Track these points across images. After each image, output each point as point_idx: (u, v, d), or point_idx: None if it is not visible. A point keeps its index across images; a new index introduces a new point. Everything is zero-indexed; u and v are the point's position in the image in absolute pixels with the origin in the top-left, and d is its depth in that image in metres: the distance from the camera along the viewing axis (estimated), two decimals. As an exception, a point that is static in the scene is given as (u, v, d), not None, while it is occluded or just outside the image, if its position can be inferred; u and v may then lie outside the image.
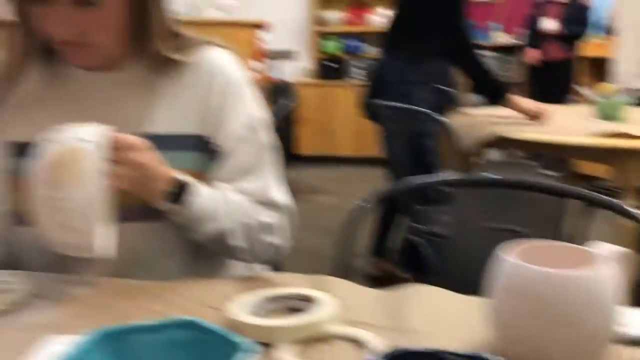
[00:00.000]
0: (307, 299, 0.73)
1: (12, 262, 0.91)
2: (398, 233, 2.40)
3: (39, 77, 0.95)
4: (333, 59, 5.64)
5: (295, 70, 5.65)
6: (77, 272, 0.82)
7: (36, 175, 0.73)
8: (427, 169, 2.10)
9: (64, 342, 0.57)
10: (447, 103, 2.31)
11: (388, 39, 2.45)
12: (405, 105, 2.06)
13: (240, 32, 3.64)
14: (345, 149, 5.41)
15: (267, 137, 0.99)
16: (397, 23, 2.41)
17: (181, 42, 0.95)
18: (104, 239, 0.76)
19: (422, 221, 2.01)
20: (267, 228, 0.95)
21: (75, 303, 0.76)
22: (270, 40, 4.25)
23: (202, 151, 0.94)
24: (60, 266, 0.87)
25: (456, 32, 2.22)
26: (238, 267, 1.02)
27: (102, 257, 0.76)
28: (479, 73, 2.25)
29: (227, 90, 0.95)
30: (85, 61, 0.90)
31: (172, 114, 0.93)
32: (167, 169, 0.84)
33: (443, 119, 2.08)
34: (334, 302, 0.71)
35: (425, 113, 2.03)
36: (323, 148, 5.39)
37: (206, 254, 0.96)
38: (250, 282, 0.81)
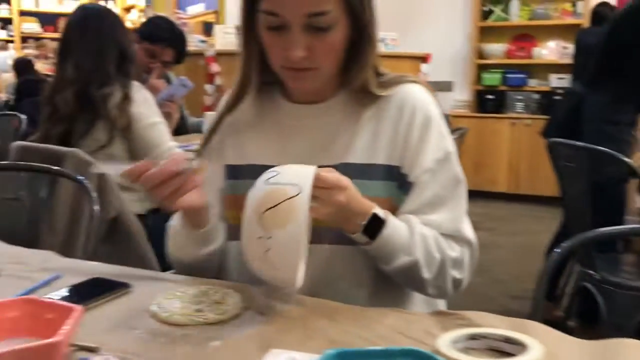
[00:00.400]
0: (513, 342, 0.71)
1: (224, 274, 1.00)
2: (569, 278, 2.25)
3: (251, 106, 1.03)
4: (492, 91, 5.50)
5: (453, 102, 5.58)
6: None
7: (248, 213, 0.79)
8: (612, 215, 1.96)
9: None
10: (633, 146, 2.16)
11: (591, 75, 2.33)
12: (593, 147, 1.94)
13: (404, 65, 3.70)
14: (501, 185, 5.21)
15: (457, 170, 0.99)
16: (606, 58, 2.29)
17: (383, 77, 0.99)
18: (303, 270, 0.81)
19: (596, 268, 1.88)
20: (456, 263, 0.95)
21: (281, 319, 0.80)
22: (429, 72, 4.26)
23: (393, 180, 0.96)
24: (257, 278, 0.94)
25: None
26: (417, 301, 1.02)
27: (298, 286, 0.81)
28: None
29: (426, 124, 0.97)
30: (304, 85, 0.96)
31: (371, 145, 0.97)
32: (365, 204, 0.87)
33: (631, 162, 1.93)
34: (541, 348, 0.68)
35: (612, 155, 1.89)
36: (478, 183, 5.25)
37: (392, 284, 0.97)
38: (448, 317, 0.80)
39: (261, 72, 0.99)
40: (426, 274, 0.92)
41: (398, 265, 0.91)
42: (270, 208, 0.76)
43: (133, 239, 1.68)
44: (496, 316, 0.80)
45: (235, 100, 1.03)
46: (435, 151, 0.97)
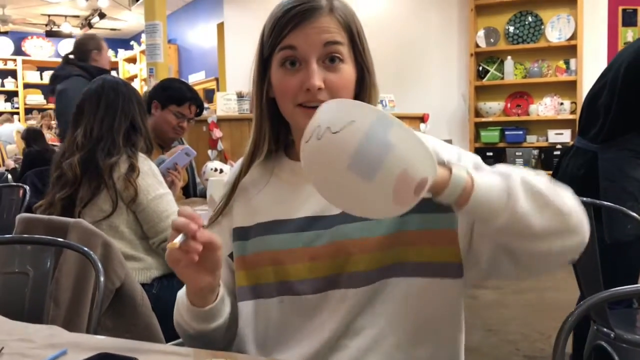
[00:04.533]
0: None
1: (236, 337, 1.01)
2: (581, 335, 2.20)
3: (258, 168, 1.05)
4: (492, 149, 5.55)
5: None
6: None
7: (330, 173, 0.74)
8: (628, 274, 1.93)
9: None
10: None
11: (604, 130, 2.33)
12: (614, 205, 1.92)
13: (403, 125, 3.76)
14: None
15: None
16: (620, 112, 2.30)
17: None
18: None
19: (611, 326, 1.84)
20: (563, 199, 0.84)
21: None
22: (428, 131, 4.32)
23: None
24: (274, 338, 0.95)
25: None
26: None
27: None
28: None
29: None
30: None
31: None
32: None
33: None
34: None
35: (631, 215, 1.87)
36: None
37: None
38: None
39: (272, 138, 1.03)
40: (537, 218, 0.81)
41: (501, 217, 0.80)
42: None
43: (138, 309, 1.66)
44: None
45: (248, 165, 1.05)
46: (448, 155, 0.95)
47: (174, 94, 2.68)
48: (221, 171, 2.69)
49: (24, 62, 9.99)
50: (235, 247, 1.03)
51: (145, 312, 1.65)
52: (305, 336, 0.95)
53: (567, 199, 0.83)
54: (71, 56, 3.71)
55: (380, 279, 0.92)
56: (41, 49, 10.31)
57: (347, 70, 0.96)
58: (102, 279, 1.27)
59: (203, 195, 2.77)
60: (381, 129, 0.68)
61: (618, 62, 2.34)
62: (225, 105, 4.19)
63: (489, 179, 0.80)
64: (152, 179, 1.92)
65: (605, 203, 1.95)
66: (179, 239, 0.80)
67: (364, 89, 0.99)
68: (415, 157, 0.69)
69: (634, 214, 1.92)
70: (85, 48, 3.67)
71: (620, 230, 1.98)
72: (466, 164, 0.87)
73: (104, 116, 1.93)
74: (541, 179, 0.83)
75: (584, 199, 1.95)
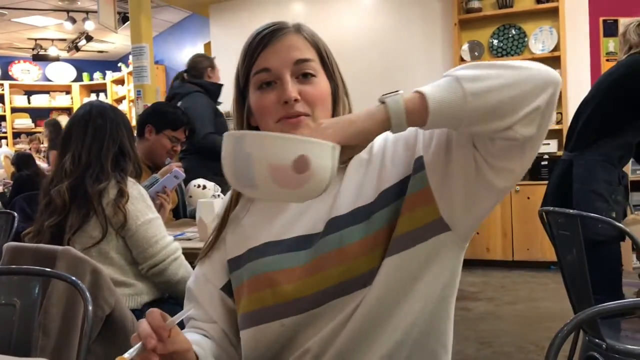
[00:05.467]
0: None
1: None
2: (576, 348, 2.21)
3: (245, 196, 1.06)
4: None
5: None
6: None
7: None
8: (609, 277, 1.95)
9: None
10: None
11: (579, 136, 2.40)
12: (585, 213, 1.95)
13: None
14: (497, 253, 5.19)
15: None
16: (596, 119, 2.37)
17: None
18: None
19: (603, 337, 1.85)
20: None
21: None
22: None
23: (394, 201, 0.95)
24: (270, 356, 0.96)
25: None
26: None
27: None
28: None
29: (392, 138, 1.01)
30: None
31: (354, 193, 0.98)
32: (363, 111, 0.86)
33: (622, 226, 1.94)
34: None
35: (602, 219, 1.90)
36: (474, 252, 5.22)
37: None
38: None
39: None
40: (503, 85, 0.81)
41: (468, 110, 0.81)
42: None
43: (129, 335, 1.64)
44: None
45: (237, 196, 1.06)
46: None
47: (170, 119, 2.70)
48: (204, 187, 2.68)
49: (11, 86, 9.96)
50: (233, 279, 1.03)
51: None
52: (314, 347, 0.94)
53: (514, 63, 0.84)
54: (185, 75, 3.96)
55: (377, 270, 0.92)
56: (28, 73, 10.29)
57: (321, 83, 0.99)
58: (90, 307, 1.27)
59: (193, 216, 2.77)
60: (238, 147, 0.80)
61: (601, 82, 2.45)
62: (213, 125, 4.19)
63: (436, 84, 0.84)
64: (141, 203, 1.91)
65: (581, 212, 1.99)
66: (131, 352, 0.75)
67: (337, 102, 1.02)
68: (274, 149, 0.78)
69: (605, 219, 1.97)
70: (200, 66, 3.96)
71: (591, 229, 2.02)
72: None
73: (92, 142, 1.91)
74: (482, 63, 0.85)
75: (559, 209, 2.02)
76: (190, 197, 2.69)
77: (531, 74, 0.83)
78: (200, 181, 2.74)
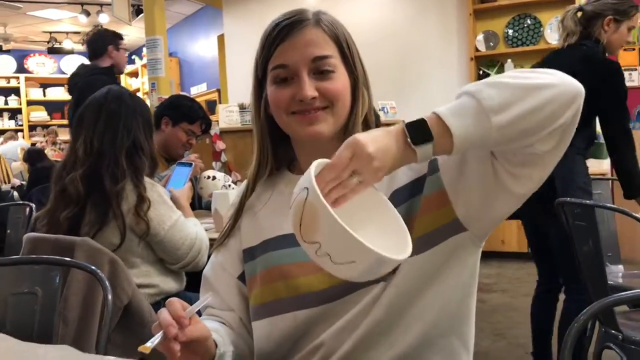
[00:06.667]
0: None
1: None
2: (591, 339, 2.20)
3: (263, 185, 1.07)
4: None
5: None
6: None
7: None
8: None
9: None
10: None
11: None
12: (602, 203, 1.96)
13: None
14: (512, 245, 5.16)
15: None
16: None
17: None
18: (396, 245, 0.77)
19: (619, 328, 1.84)
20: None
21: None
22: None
23: (416, 194, 0.95)
24: (290, 354, 0.96)
25: (617, 124, 2.28)
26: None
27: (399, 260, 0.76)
28: (625, 163, 2.27)
29: None
30: (318, 128, 0.96)
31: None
32: (389, 129, 0.82)
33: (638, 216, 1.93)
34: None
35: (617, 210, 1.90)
36: (489, 244, 5.18)
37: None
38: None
39: (274, 155, 1.04)
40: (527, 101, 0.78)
41: (494, 132, 0.78)
42: (300, 223, 0.75)
43: (146, 325, 1.66)
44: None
45: (253, 184, 1.06)
46: None
47: (187, 112, 2.70)
48: (214, 178, 2.69)
49: (26, 79, 10.05)
50: (247, 269, 1.04)
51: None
52: (327, 341, 0.95)
53: (539, 76, 0.81)
54: None
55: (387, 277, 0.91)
56: (43, 66, 10.38)
57: (340, 78, 0.97)
58: (109, 297, 1.28)
59: (208, 207, 2.79)
60: (375, 270, 0.76)
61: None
62: (227, 117, 4.20)
63: (461, 112, 0.79)
64: (163, 207, 1.85)
65: (597, 203, 2.00)
66: (153, 340, 0.76)
67: (357, 95, 1.00)
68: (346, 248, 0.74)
69: (620, 208, 1.98)
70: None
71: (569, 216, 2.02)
72: None
73: (104, 128, 1.82)
74: (502, 76, 0.82)
75: (576, 200, 2.03)
76: (202, 188, 2.71)
77: (558, 92, 0.79)
78: (210, 172, 2.76)
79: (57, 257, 1.47)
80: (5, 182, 6.13)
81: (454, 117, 0.79)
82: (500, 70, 5.59)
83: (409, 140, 0.79)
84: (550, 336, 2.57)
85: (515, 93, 0.78)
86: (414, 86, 5.82)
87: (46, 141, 8.35)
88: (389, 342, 0.92)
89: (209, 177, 2.73)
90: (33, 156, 5.71)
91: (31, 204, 2.98)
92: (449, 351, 0.97)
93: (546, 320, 2.58)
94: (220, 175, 2.75)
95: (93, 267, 1.34)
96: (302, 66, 0.95)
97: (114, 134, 1.83)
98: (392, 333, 0.92)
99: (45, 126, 9.56)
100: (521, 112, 0.78)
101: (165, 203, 1.88)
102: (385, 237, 0.80)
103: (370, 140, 0.78)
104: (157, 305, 1.86)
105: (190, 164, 2.45)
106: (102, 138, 1.83)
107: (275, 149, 1.05)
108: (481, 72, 5.65)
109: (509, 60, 5.51)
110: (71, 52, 9.63)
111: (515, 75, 0.81)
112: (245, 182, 1.09)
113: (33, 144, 8.14)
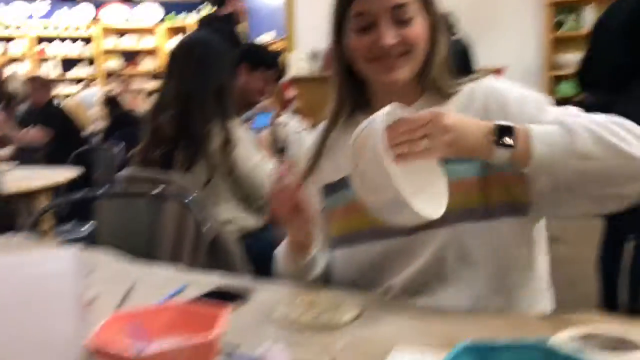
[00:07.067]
0: (628, 342, 0.73)
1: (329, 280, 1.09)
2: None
3: (341, 128, 1.11)
4: (569, 102, 5.36)
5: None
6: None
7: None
8: None
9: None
10: None
11: (615, 78, 2.27)
12: None
13: (478, 79, 3.70)
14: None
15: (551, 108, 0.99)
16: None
17: (455, 80, 1.06)
18: (423, 203, 0.83)
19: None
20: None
21: (399, 319, 0.86)
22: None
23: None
24: (364, 281, 1.04)
25: None
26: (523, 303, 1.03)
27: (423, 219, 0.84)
28: None
29: (502, 101, 1.00)
30: (397, 74, 1.01)
31: None
32: (479, 122, 0.87)
33: None
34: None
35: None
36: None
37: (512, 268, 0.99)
38: (557, 319, 0.83)
39: (351, 99, 1.09)
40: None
41: (569, 163, 0.85)
42: (356, 145, 0.85)
43: (230, 260, 1.77)
44: (604, 316, 0.82)
45: (332, 123, 1.11)
46: (528, 104, 0.99)
47: (266, 57, 2.72)
48: (287, 125, 2.72)
49: (102, 28, 10.35)
50: (328, 202, 1.11)
51: (237, 263, 1.76)
52: (396, 274, 1.02)
53: (630, 134, 0.85)
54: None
55: (462, 220, 0.96)
56: (117, 15, 10.64)
57: (419, 24, 1.00)
58: (202, 227, 1.39)
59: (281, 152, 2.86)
60: (394, 210, 0.83)
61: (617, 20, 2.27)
62: (297, 65, 4.24)
63: (548, 138, 0.85)
64: (248, 146, 1.93)
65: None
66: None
67: (436, 38, 1.02)
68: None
69: None
70: None
71: None
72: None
73: (194, 72, 1.91)
74: (603, 124, 0.86)
75: None
76: (276, 133, 2.76)
77: None
78: (284, 118, 2.81)
79: (156, 191, 1.61)
80: (84, 128, 6.45)
81: (542, 143, 0.84)
82: (579, 17, 5.34)
83: (494, 137, 0.84)
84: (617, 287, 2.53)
85: (605, 153, 0.84)
86: (487, 33, 5.64)
87: (121, 90, 8.64)
88: (463, 283, 0.98)
89: (282, 124, 2.79)
90: (111, 103, 5.99)
91: (116, 146, 3.17)
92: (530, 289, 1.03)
93: (614, 270, 2.54)
94: (293, 121, 2.81)
95: (186, 200, 1.46)
96: (381, 14, 0.98)
97: (203, 76, 1.92)
98: (463, 273, 0.98)
99: (120, 75, 9.87)
100: (600, 169, 0.84)
101: (251, 142, 1.97)
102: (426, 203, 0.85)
103: (455, 117, 0.84)
104: (240, 239, 1.97)
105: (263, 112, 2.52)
106: (191, 81, 1.91)
107: (353, 93, 1.09)
108: (558, 19, 5.41)
109: (589, 6, 5.25)
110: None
111: (613, 131, 0.85)
112: (322, 125, 1.14)
113: (109, 92, 8.45)
